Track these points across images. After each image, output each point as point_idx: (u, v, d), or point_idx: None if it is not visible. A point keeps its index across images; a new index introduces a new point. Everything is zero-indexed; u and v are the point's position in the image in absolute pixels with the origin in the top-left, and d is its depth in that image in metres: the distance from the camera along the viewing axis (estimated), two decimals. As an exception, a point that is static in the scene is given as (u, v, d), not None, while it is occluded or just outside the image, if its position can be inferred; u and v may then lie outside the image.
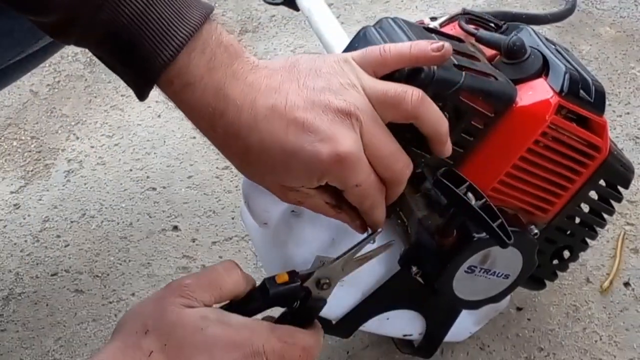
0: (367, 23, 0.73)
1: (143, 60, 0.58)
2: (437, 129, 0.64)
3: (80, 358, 1.00)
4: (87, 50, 0.62)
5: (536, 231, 0.76)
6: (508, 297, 0.83)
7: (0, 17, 0.80)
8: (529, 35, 0.75)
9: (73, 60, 1.43)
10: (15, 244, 1.14)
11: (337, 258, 0.64)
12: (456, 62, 0.66)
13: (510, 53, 0.72)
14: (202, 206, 1.16)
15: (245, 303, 0.62)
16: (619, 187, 0.81)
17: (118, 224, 1.15)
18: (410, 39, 0.67)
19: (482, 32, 0.76)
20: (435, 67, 0.64)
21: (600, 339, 0.95)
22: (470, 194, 0.64)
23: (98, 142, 1.28)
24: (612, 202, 0.82)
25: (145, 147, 1.26)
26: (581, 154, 0.73)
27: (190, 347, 0.57)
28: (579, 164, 0.74)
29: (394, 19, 0.70)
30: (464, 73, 0.65)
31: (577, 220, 0.82)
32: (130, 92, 0.61)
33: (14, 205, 1.20)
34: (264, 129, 0.59)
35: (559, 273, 0.88)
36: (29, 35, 0.87)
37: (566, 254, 0.85)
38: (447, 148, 0.66)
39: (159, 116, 1.30)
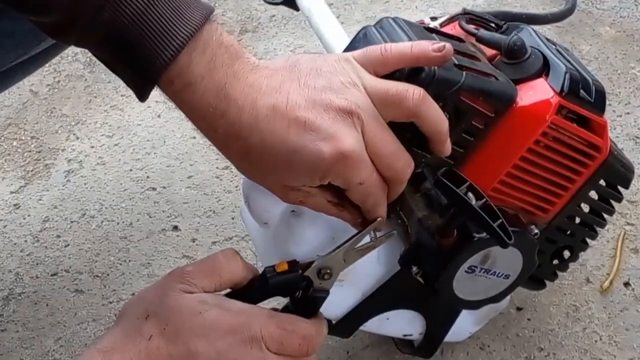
0: (367, 23, 0.73)
1: (144, 60, 0.58)
2: (438, 128, 0.64)
3: (74, 360, 1.01)
4: (87, 50, 0.62)
5: (536, 231, 0.76)
6: (508, 297, 0.83)
7: (2, 18, 0.80)
8: (529, 35, 0.75)
9: (73, 60, 1.43)
10: (15, 244, 1.14)
11: (338, 247, 0.64)
12: (457, 62, 0.66)
13: (511, 53, 0.72)
14: (202, 206, 1.16)
15: (246, 291, 0.63)
16: (619, 187, 0.81)
17: (118, 224, 1.15)
18: (410, 39, 0.67)
19: (483, 32, 0.76)
20: (436, 67, 0.64)
21: (600, 339, 0.95)
22: (470, 194, 0.64)
23: (98, 142, 1.28)
24: (613, 202, 0.82)
25: (145, 147, 1.26)
26: (581, 154, 0.73)
27: (188, 331, 0.58)
28: (580, 164, 0.74)
29: (394, 19, 0.70)
30: (464, 73, 0.66)
31: (578, 220, 0.82)
32: (130, 92, 0.61)
33: (14, 205, 1.20)
34: (265, 128, 0.59)
35: (559, 273, 0.88)
36: (31, 37, 0.88)
37: (566, 254, 0.85)
38: (447, 147, 0.66)
39: (159, 116, 1.30)
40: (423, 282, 0.72)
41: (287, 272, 0.63)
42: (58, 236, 1.15)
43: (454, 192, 0.63)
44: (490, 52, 0.75)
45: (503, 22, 0.79)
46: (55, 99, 1.37)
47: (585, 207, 0.81)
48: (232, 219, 1.13)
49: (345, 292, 0.75)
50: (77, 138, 1.29)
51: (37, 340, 1.03)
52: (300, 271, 0.63)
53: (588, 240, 0.85)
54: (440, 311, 0.82)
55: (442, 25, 0.78)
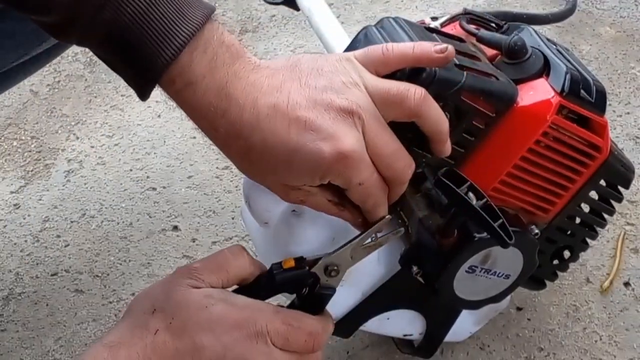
0: (367, 23, 0.73)
1: (145, 59, 0.58)
2: (438, 128, 0.64)
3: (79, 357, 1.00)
4: (87, 50, 0.62)
5: (537, 231, 0.76)
6: (508, 297, 0.83)
7: (3, 19, 0.80)
8: (529, 35, 0.75)
9: (73, 60, 1.43)
10: (15, 244, 1.14)
11: (345, 244, 0.64)
12: (457, 62, 0.66)
13: (512, 53, 0.72)
14: (202, 206, 1.16)
15: (252, 288, 0.63)
16: (619, 187, 0.81)
17: (118, 224, 1.15)
18: (411, 39, 0.67)
19: (483, 32, 0.76)
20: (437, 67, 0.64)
21: (600, 339, 0.95)
22: (471, 194, 0.64)
23: (98, 142, 1.28)
24: (613, 202, 0.82)
25: (145, 147, 1.26)
26: (582, 154, 0.73)
27: (194, 325, 0.58)
28: (580, 164, 0.74)
29: (395, 19, 0.70)
30: (465, 73, 0.66)
31: (578, 220, 0.82)
32: (130, 92, 0.62)
33: (14, 205, 1.20)
34: (266, 128, 0.59)
35: (559, 273, 0.88)
36: (32, 38, 0.88)
37: (566, 254, 0.85)
38: (447, 148, 0.66)
39: (159, 116, 1.30)
40: (423, 282, 0.72)
41: (293, 268, 0.63)
42: (58, 236, 1.15)
43: (455, 192, 0.63)
44: (490, 52, 0.75)
45: (503, 22, 0.80)
46: (56, 99, 1.36)
47: (586, 207, 0.81)
48: (232, 219, 1.13)
49: (346, 292, 0.74)
50: (77, 138, 1.29)
51: (37, 340, 1.03)
52: (307, 268, 0.63)
53: (588, 240, 0.85)
54: (440, 311, 0.82)
55: (442, 25, 0.78)
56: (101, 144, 1.28)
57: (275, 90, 0.60)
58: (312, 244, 0.73)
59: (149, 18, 0.57)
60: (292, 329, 0.60)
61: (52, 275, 1.10)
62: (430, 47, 0.63)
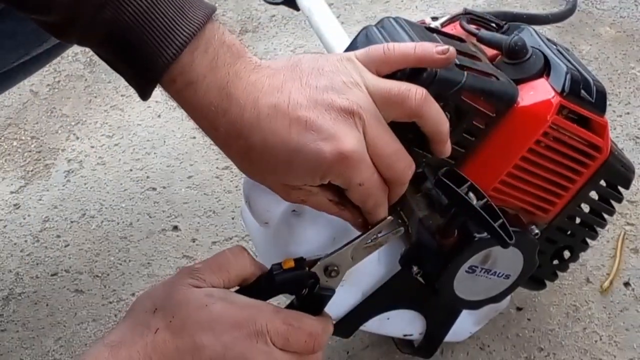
0: (367, 23, 0.73)
1: (146, 59, 0.58)
2: (439, 128, 0.64)
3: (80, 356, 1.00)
4: (87, 50, 0.62)
5: (537, 231, 0.76)
6: (508, 297, 0.83)
7: (3, 19, 0.80)
8: (530, 36, 0.75)
9: (73, 60, 1.43)
10: (15, 244, 1.14)
11: (346, 244, 0.64)
12: (458, 62, 0.66)
13: (512, 53, 0.72)
14: (202, 206, 1.16)
15: (252, 288, 0.63)
16: (619, 188, 0.81)
17: (118, 224, 1.15)
18: (412, 39, 0.67)
19: (484, 32, 0.76)
20: (437, 67, 0.64)
21: (600, 339, 0.95)
22: (471, 194, 0.64)
23: (98, 142, 1.28)
24: (613, 202, 0.82)
25: (145, 147, 1.26)
26: (582, 154, 0.73)
27: (194, 324, 0.58)
28: (580, 164, 0.74)
29: (395, 19, 0.71)
30: (465, 73, 0.66)
31: (578, 220, 0.82)
32: (130, 92, 0.62)
33: (14, 205, 1.20)
34: (267, 127, 0.59)
35: (559, 273, 0.88)
36: (33, 38, 0.88)
37: (566, 254, 0.85)
38: (447, 148, 0.66)
39: (159, 116, 1.30)
40: (423, 282, 0.72)
41: (293, 269, 0.63)
42: (58, 236, 1.15)
43: (455, 192, 0.63)
44: (491, 52, 0.75)
45: (504, 22, 0.80)
46: (56, 99, 1.36)
47: (586, 207, 0.81)
48: (232, 219, 1.13)
49: (346, 292, 0.74)
50: (77, 138, 1.29)
51: (37, 340, 1.03)
52: (307, 268, 0.63)
53: (588, 241, 0.85)
54: (440, 311, 0.82)
55: (443, 25, 0.78)
56: (101, 144, 1.28)
57: (276, 90, 0.60)
58: (313, 244, 0.73)
59: (149, 17, 0.57)
60: (292, 329, 0.60)
61: (52, 275, 1.10)
62: (432, 48, 0.63)
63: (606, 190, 0.80)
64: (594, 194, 0.79)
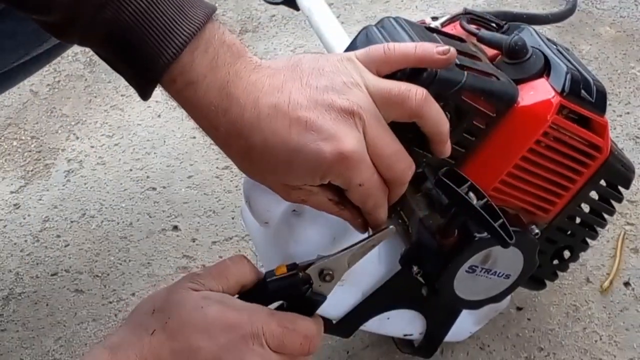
0: (367, 23, 0.73)
1: (146, 59, 0.58)
2: (439, 128, 0.64)
3: (81, 358, 1.00)
4: (87, 50, 0.62)
5: (537, 231, 0.76)
6: (508, 297, 0.83)
7: (4, 19, 0.80)
8: (530, 35, 0.75)
9: (73, 60, 1.43)
10: (15, 244, 1.14)
11: (343, 250, 0.64)
12: (458, 62, 0.66)
13: (512, 53, 0.72)
14: (202, 206, 1.16)
15: (249, 295, 0.63)
16: (619, 187, 0.81)
17: (118, 224, 1.15)
18: (412, 39, 0.67)
19: (484, 32, 0.76)
20: (437, 67, 0.64)
21: (600, 339, 0.95)
22: (471, 194, 0.64)
23: (98, 142, 1.28)
24: (613, 202, 0.82)
25: (145, 147, 1.26)
26: (582, 154, 0.73)
27: (189, 326, 0.58)
28: (580, 164, 0.74)
29: (395, 19, 0.71)
30: (465, 73, 0.66)
31: (578, 220, 0.82)
32: (130, 92, 0.62)
33: (14, 205, 1.20)
34: (267, 127, 0.59)
35: (560, 273, 0.88)
36: (33, 38, 0.87)
37: (566, 254, 0.85)
38: (447, 148, 0.66)
39: (159, 116, 1.30)
40: (424, 282, 0.72)
41: (286, 275, 0.63)
42: (58, 236, 1.15)
43: (455, 191, 0.63)
44: (491, 52, 0.75)
45: (504, 22, 0.80)
46: (55, 99, 1.36)
47: (586, 207, 0.81)
48: (232, 219, 1.13)
49: (346, 291, 0.74)
50: (77, 138, 1.29)
51: (37, 340, 1.03)
52: (300, 274, 0.63)
53: (588, 240, 0.85)
54: (440, 311, 0.82)
55: (443, 25, 0.78)
56: (101, 144, 1.28)
57: (277, 90, 0.60)
58: (313, 243, 0.73)
59: (149, 17, 0.57)
60: (287, 331, 0.60)
61: (52, 275, 1.10)
62: (432, 49, 0.63)
63: (606, 190, 0.80)
64: (594, 194, 0.79)
